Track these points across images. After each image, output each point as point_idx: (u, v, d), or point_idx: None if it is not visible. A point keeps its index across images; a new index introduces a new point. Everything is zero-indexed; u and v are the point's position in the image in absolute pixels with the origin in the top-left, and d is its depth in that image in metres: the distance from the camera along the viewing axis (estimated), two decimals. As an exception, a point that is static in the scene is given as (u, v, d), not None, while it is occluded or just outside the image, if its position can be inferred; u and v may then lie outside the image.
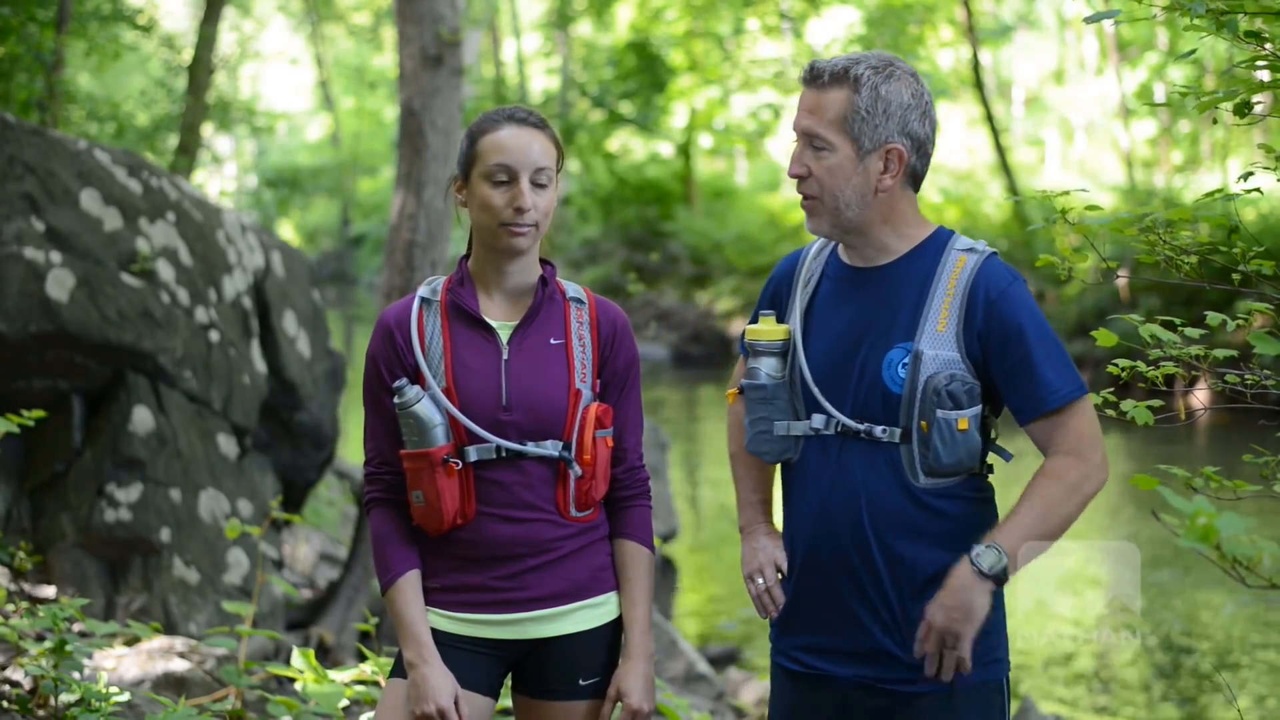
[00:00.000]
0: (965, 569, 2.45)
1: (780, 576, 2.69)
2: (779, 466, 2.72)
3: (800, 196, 2.60)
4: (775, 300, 2.72)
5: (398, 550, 2.64)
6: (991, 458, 2.61)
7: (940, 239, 2.58)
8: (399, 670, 2.64)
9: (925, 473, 2.52)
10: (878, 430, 2.51)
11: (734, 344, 23.56)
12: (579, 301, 2.71)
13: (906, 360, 2.50)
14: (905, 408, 2.50)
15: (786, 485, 2.69)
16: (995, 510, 2.61)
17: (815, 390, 2.57)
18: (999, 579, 2.45)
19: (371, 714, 3.87)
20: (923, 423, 2.49)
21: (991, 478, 2.64)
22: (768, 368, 2.63)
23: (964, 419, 2.48)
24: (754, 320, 2.72)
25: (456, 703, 2.56)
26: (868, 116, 2.50)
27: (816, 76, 2.54)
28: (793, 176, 2.59)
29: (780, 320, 2.68)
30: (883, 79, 2.50)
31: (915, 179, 2.57)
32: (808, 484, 2.61)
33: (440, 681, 2.56)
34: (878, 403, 2.52)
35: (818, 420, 2.57)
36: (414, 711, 2.55)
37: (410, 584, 2.62)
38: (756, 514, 2.78)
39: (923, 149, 2.55)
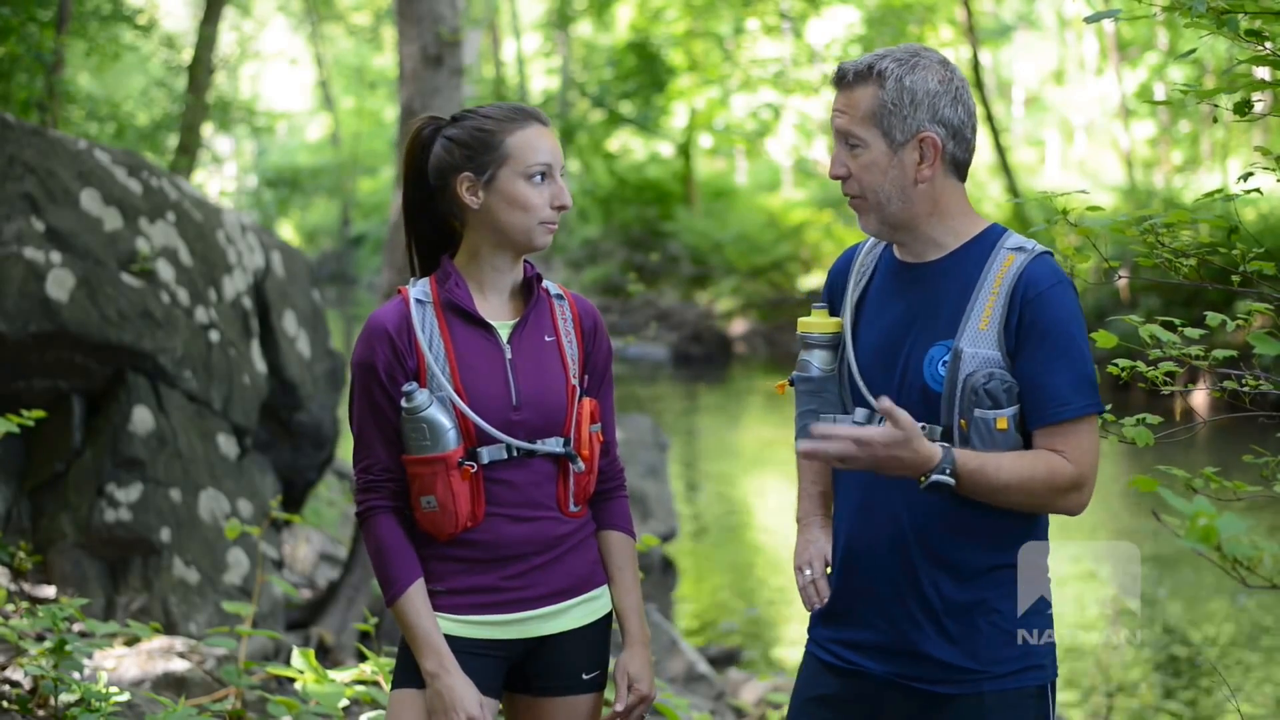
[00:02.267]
0: (926, 458, 2.37)
1: (828, 570, 2.68)
2: None
3: (848, 198, 2.58)
4: (834, 293, 2.70)
5: (405, 560, 2.61)
6: None
7: (991, 236, 2.56)
8: (406, 680, 2.62)
9: None
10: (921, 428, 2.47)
11: (734, 344, 23.58)
12: (560, 298, 2.73)
13: (947, 358, 2.48)
14: (945, 405, 2.47)
15: (835, 480, 2.69)
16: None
17: (861, 384, 2.56)
18: (928, 487, 2.40)
19: (371, 714, 3.87)
20: (962, 421, 2.46)
21: None
22: (818, 360, 2.62)
23: (1003, 418, 2.45)
24: (809, 313, 2.70)
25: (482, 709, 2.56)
26: (895, 109, 2.49)
27: (843, 77, 2.54)
28: (834, 178, 2.57)
29: (834, 314, 2.67)
30: (907, 70, 2.49)
31: (958, 167, 2.54)
32: (851, 479, 2.59)
33: (466, 691, 2.55)
34: (918, 400, 2.49)
35: (860, 414, 2.54)
36: None
37: (420, 593, 2.60)
38: (814, 506, 2.78)
39: (959, 135, 2.52)
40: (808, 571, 2.69)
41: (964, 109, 2.52)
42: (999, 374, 2.46)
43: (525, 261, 2.71)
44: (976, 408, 2.45)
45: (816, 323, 2.64)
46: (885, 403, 2.35)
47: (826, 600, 2.66)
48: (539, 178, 2.61)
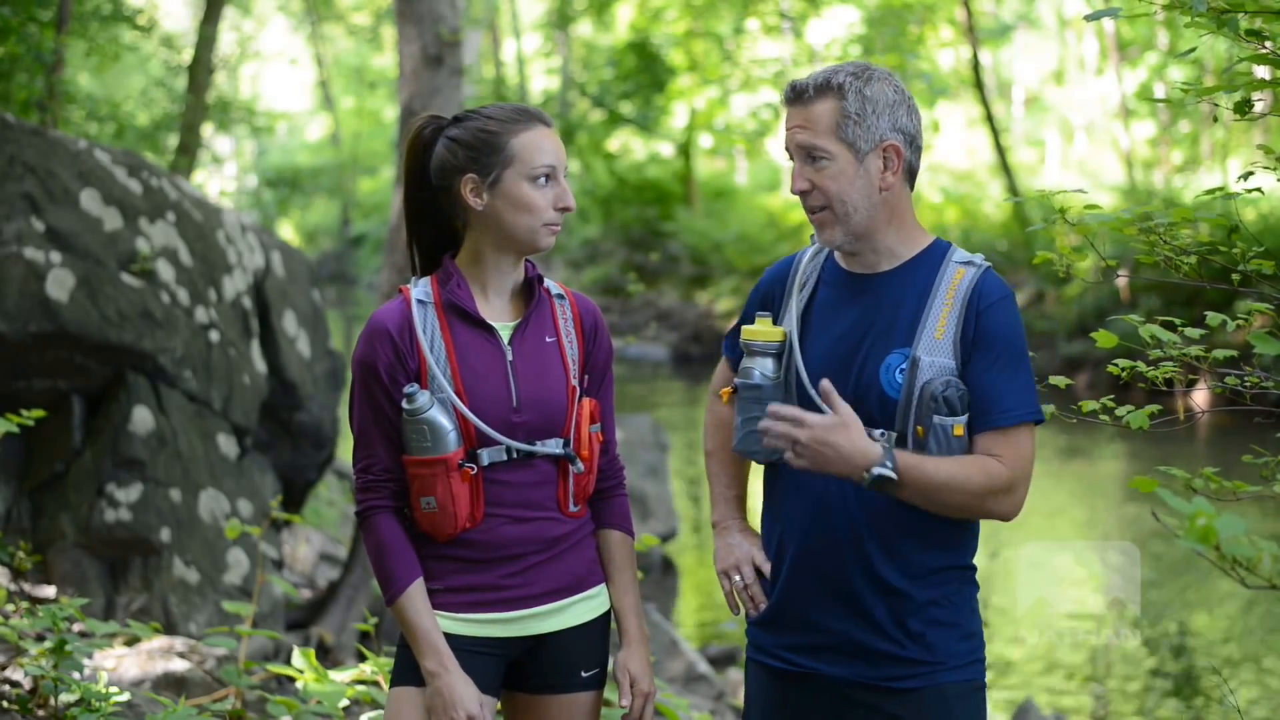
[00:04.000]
0: (864, 451, 2.42)
1: (757, 574, 2.71)
2: (759, 466, 2.75)
3: (810, 212, 2.62)
4: (767, 303, 2.75)
5: (405, 559, 2.62)
6: None
7: (939, 250, 2.64)
8: (405, 678, 2.62)
9: None
10: (875, 433, 2.54)
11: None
12: (560, 298, 2.73)
13: (904, 366, 2.54)
14: (901, 412, 2.53)
15: (773, 486, 2.71)
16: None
17: (812, 392, 2.59)
18: (872, 483, 2.43)
19: (371, 714, 3.87)
20: (918, 427, 2.52)
21: None
22: (764, 368, 2.65)
23: (959, 425, 2.52)
24: (744, 320, 2.75)
25: (481, 708, 2.57)
26: (859, 119, 2.55)
27: (801, 93, 2.59)
28: (796, 193, 2.61)
29: (775, 323, 2.71)
30: (864, 82, 2.57)
31: (912, 175, 2.63)
32: (801, 485, 2.62)
33: (465, 690, 2.55)
34: (875, 406, 2.55)
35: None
36: None
37: (420, 592, 2.60)
38: (731, 510, 2.82)
39: (915, 143, 2.61)
40: (737, 577, 2.72)
41: (917, 118, 2.62)
42: (955, 382, 2.53)
43: (527, 261, 2.71)
44: (935, 414, 2.51)
45: (762, 331, 2.67)
46: (825, 385, 2.41)
47: (765, 605, 2.69)
48: (543, 180, 2.60)
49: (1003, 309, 2.56)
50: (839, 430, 2.40)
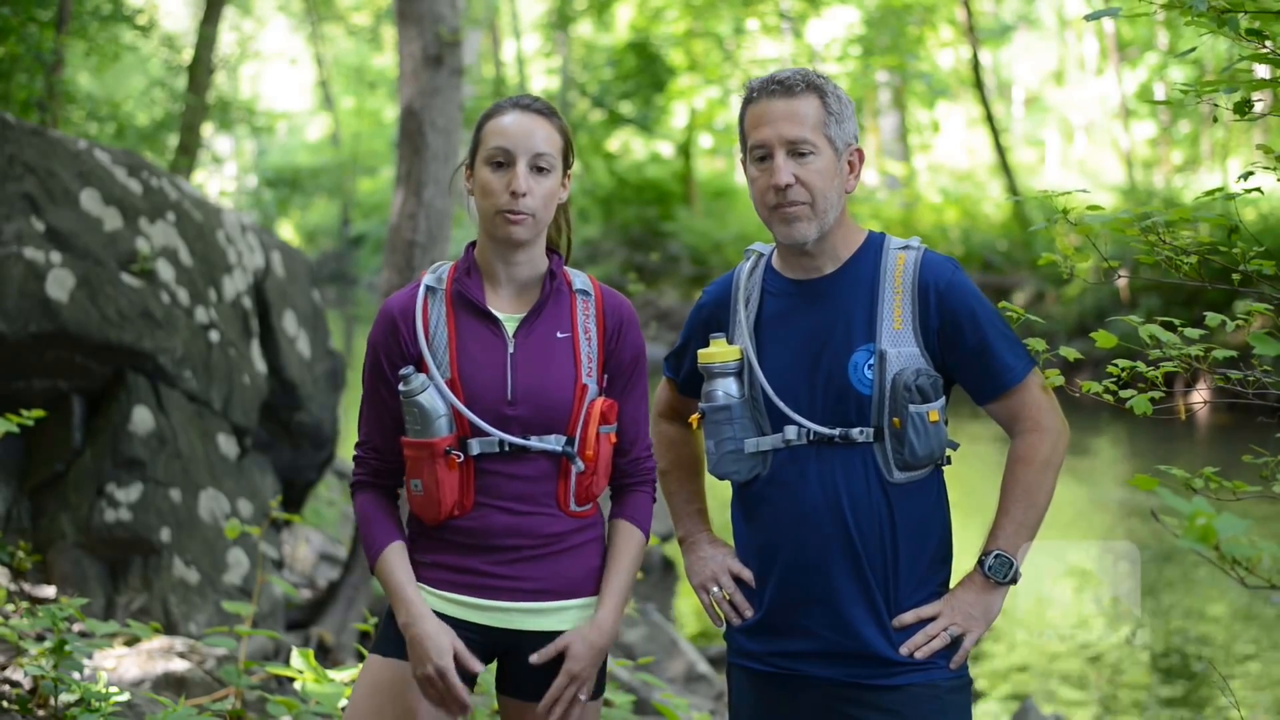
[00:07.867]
0: (981, 577, 2.59)
1: (737, 582, 2.73)
2: (727, 482, 2.76)
3: (784, 207, 2.61)
4: (712, 325, 2.76)
5: (382, 526, 2.65)
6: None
7: (875, 241, 2.68)
8: (377, 647, 2.64)
9: (899, 467, 2.59)
10: (854, 432, 2.57)
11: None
12: (585, 293, 2.69)
13: (871, 361, 2.57)
14: (876, 407, 2.57)
15: (750, 499, 2.70)
16: (947, 499, 2.70)
17: (780, 404, 2.61)
18: (1012, 583, 2.60)
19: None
20: (894, 419, 2.56)
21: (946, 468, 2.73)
22: (725, 388, 2.66)
23: (934, 411, 2.57)
24: (684, 345, 2.80)
25: (458, 659, 2.55)
26: (838, 119, 2.60)
27: (791, 87, 2.60)
28: (781, 187, 2.58)
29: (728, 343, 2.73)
30: (833, 86, 2.63)
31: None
32: (784, 494, 2.63)
33: (439, 639, 2.54)
34: (850, 406, 2.57)
35: (791, 432, 2.61)
36: (415, 674, 2.55)
37: (396, 554, 2.62)
38: (696, 524, 2.84)
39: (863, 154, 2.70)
40: (716, 588, 2.73)
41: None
42: (925, 369, 2.57)
43: (551, 254, 2.70)
44: (910, 404, 2.55)
45: (718, 353, 2.67)
46: (905, 618, 2.58)
47: (750, 613, 2.69)
48: (498, 162, 2.60)
49: (960, 284, 2.61)
50: (977, 604, 2.59)
